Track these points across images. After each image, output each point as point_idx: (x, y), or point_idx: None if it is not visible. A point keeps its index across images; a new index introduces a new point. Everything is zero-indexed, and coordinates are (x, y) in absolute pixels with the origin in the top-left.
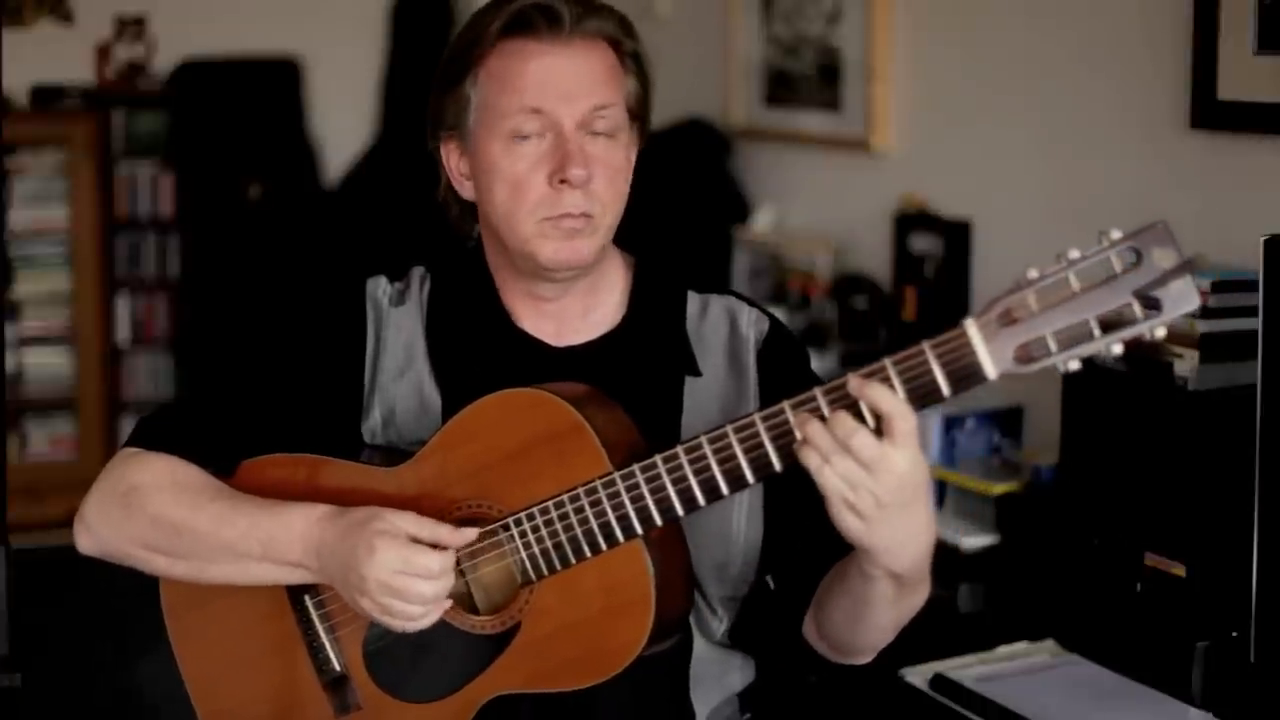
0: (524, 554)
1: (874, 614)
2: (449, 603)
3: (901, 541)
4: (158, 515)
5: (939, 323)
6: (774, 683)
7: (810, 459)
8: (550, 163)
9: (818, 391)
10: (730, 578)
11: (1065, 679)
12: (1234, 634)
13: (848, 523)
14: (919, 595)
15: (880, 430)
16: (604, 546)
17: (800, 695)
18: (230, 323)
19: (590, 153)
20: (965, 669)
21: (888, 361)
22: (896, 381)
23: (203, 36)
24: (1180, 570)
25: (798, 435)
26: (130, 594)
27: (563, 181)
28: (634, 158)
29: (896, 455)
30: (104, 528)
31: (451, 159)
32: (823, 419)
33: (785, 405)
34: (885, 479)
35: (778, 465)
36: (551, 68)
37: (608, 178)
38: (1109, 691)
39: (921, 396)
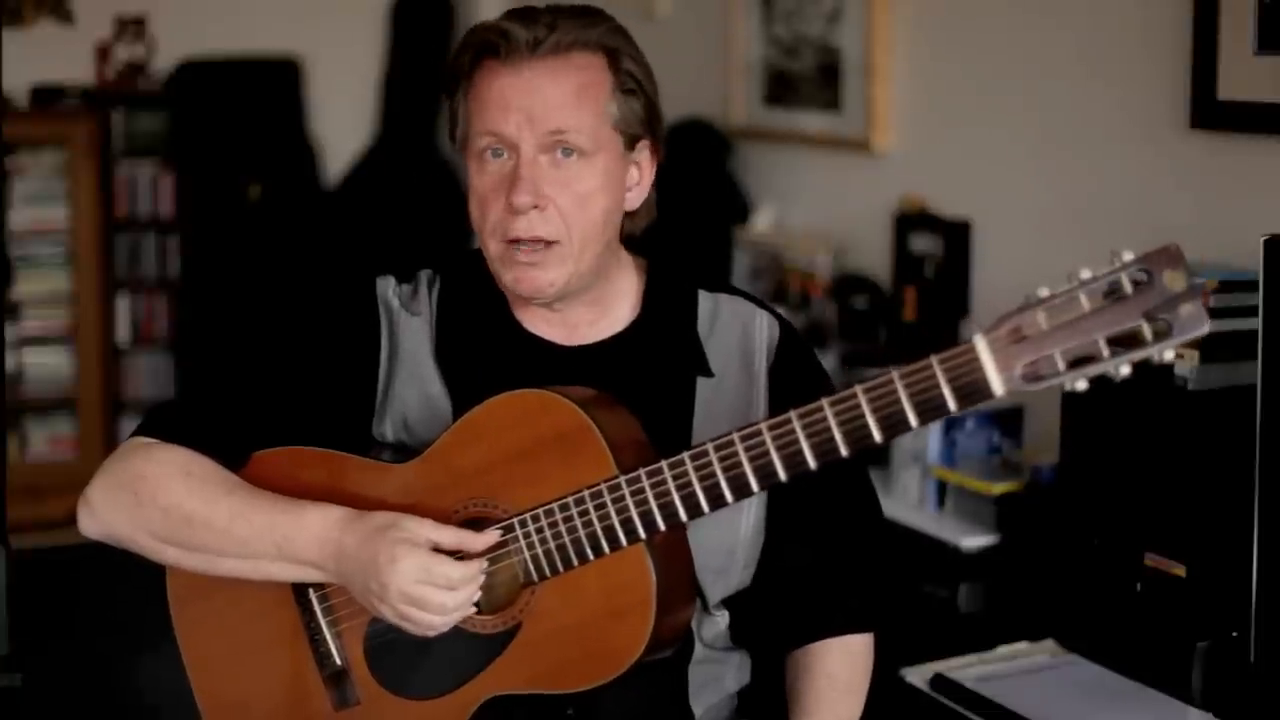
0: (527, 554)
1: None
2: (471, 610)
3: None
4: (170, 506)
5: (939, 323)
6: (772, 683)
7: None
8: (506, 185)
9: (825, 402)
10: (731, 582)
11: (1065, 679)
12: (1234, 634)
13: None
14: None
15: None
16: (607, 549)
17: None
18: (230, 323)
19: (550, 177)
20: (965, 669)
21: (895, 374)
22: (903, 395)
23: (203, 36)
24: (1180, 570)
25: (802, 446)
26: (131, 594)
27: (508, 205)
28: (643, 173)
29: None
30: (110, 513)
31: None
32: (829, 441)
33: (792, 415)
34: None
35: (782, 475)
36: (509, 89)
37: (572, 201)
38: (1109, 691)
39: (928, 411)
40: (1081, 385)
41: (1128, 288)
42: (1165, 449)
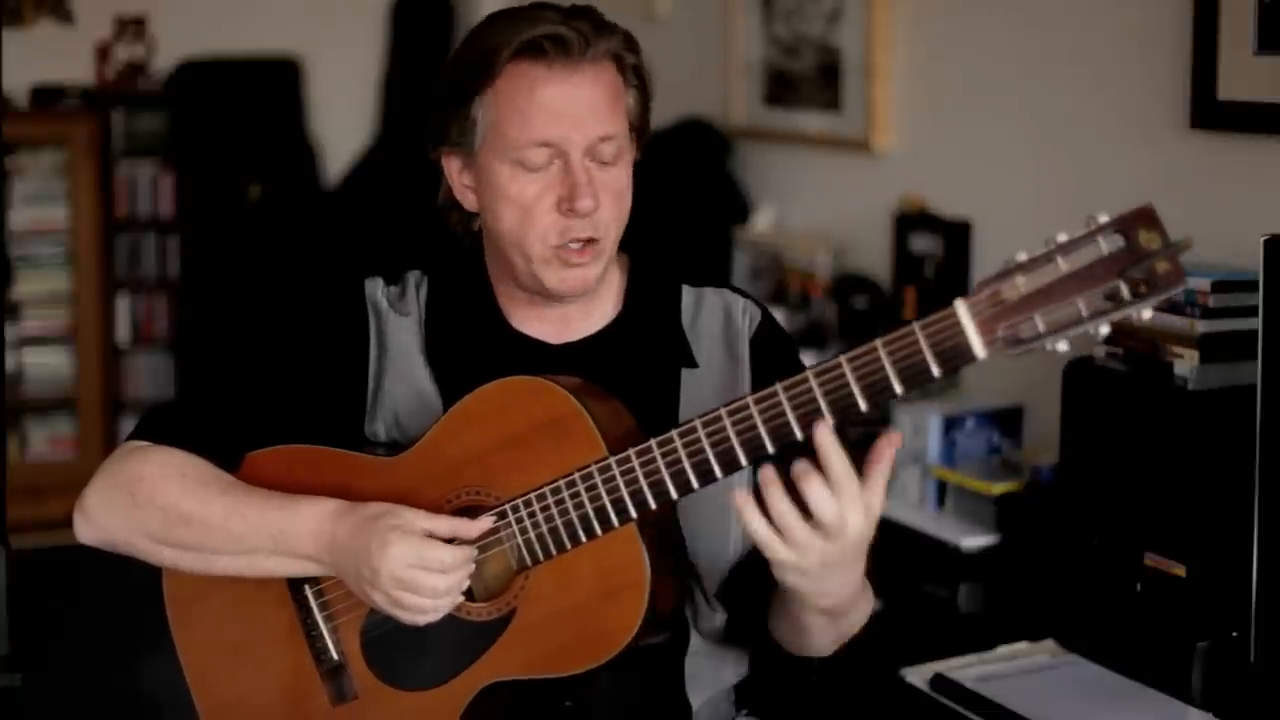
0: (520, 539)
1: (811, 637)
2: (461, 597)
3: (836, 588)
4: (167, 506)
5: None
6: (772, 680)
7: (762, 532)
8: (558, 190)
9: (810, 372)
10: (726, 574)
11: (1065, 679)
12: (1234, 634)
13: (789, 579)
14: (857, 615)
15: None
16: (599, 531)
17: (800, 694)
18: (230, 323)
19: (597, 179)
20: (965, 669)
21: (878, 342)
22: (886, 361)
23: (203, 36)
24: (1180, 570)
25: (789, 418)
26: (130, 594)
27: (570, 210)
28: (631, 167)
29: (852, 520)
30: (107, 517)
31: (454, 171)
32: (815, 411)
33: (778, 387)
34: (838, 544)
35: (770, 447)
36: (559, 97)
37: (613, 200)
38: (1109, 691)
39: (911, 376)
40: (1063, 347)
41: (1104, 248)
42: (1165, 449)
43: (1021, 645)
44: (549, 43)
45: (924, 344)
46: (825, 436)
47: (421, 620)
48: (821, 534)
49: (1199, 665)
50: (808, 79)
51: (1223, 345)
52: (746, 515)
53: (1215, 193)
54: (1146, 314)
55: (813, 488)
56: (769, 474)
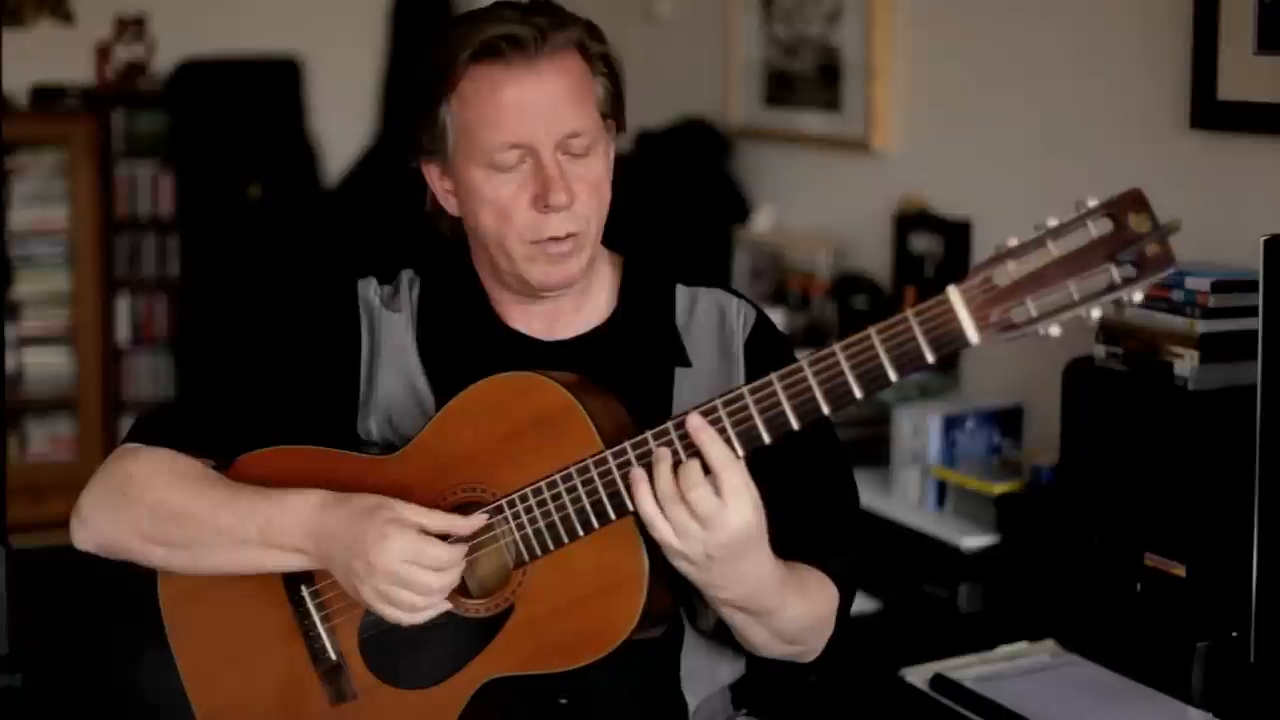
0: (517, 535)
1: (744, 634)
2: (456, 597)
3: (731, 582)
4: (156, 503)
5: None
6: (770, 680)
7: (645, 504)
8: (532, 187)
9: (804, 362)
10: None
11: (1065, 679)
12: (1234, 634)
13: (678, 566)
14: (792, 620)
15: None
16: (596, 524)
17: (800, 694)
18: (230, 323)
19: (570, 172)
20: (965, 669)
21: (872, 330)
22: (881, 350)
23: (203, 36)
24: (1180, 570)
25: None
26: (130, 594)
27: (546, 207)
28: (613, 155)
29: (729, 514)
30: (101, 520)
31: (434, 178)
32: (811, 400)
33: (773, 377)
34: (717, 535)
35: (766, 438)
36: (523, 97)
37: (589, 192)
38: (1109, 691)
39: (906, 364)
40: (1055, 331)
41: (1094, 232)
42: (1165, 449)
43: (1021, 645)
44: (505, 43)
45: (918, 331)
46: (697, 423)
47: (406, 619)
48: (699, 521)
49: (1199, 665)
50: (807, 79)
51: (1223, 345)
52: (638, 491)
53: (1215, 193)
54: (1138, 296)
55: (686, 473)
56: (661, 452)
